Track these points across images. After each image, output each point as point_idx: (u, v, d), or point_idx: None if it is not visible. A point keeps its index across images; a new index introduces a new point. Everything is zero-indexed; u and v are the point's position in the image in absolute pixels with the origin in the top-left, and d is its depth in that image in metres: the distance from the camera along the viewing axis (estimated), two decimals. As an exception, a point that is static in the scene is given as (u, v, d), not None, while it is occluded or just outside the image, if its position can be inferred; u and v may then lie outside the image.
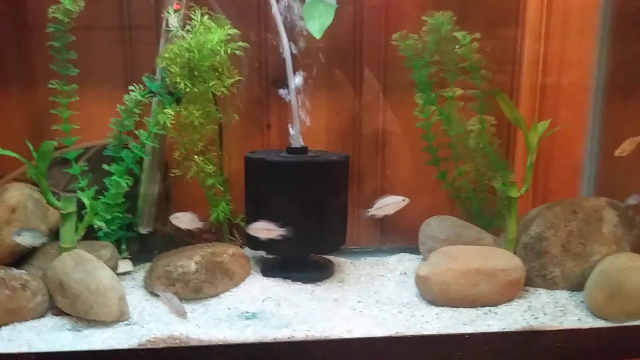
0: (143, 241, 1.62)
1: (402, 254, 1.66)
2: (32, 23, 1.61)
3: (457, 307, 1.30)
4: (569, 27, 1.72)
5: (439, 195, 1.79)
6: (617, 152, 1.37)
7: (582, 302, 1.32)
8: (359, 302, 1.34)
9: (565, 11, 1.70)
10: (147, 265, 1.60)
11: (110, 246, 1.50)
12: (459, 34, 1.41)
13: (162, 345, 1.13)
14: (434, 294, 1.32)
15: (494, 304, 1.31)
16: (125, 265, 1.56)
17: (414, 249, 1.67)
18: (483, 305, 1.31)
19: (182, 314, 1.21)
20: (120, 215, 1.54)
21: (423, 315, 1.27)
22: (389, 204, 1.34)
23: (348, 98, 1.75)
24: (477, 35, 1.43)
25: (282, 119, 1.75)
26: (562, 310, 1.29)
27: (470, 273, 1.30)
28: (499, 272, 1.31)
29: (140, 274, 1.54)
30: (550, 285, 1.38)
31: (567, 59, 1.74)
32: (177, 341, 1.14)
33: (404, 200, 1.34)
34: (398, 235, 1.80)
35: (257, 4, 1.65)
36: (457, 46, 1.42)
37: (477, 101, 1.47)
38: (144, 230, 1.58)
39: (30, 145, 1.29)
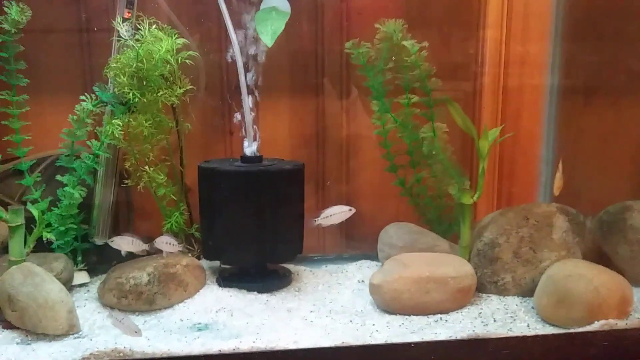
0: (101, 252, 1.61)
1: (362, 261, 1.66)
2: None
3: (409, 315, 1.31)
4: (529, 30, 1.74)
5: (404, 201, 1.80)
6: (556, 193, 1.40)
7: (532, 308, 1.33)
8: (311, 311, 1.34)
9: (525, 14, 1.72)
10: (104, 276, 1.59)
11: (63, 258, 1.48)
12: (407, 43, 1.42)
13: (105, 359, 1.12)
14: (387, 302, 1.32)
15: (446, 311, 1.32)
16: (81, 277, 1.54)
17: (375, 256, 1.68)
18: (435, 313, 1.31)
19: (137, 332, 1.20)
20: (75, 226, 1.52)
21: (373, 324, 1.27)
22: (335, 214, 1.35)
23: (311, 104, 1.75)
24: (425, 43, 1.43)
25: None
26: (512, 317, 1.29)
27: (422, 281, 1.30)
28: (450, 280, 1.31)
29: (96, 285, 1.52)
30: (502, 291, 1.39)
31: (527, 62, 1.76)
32: (121, 354, 1.13)
33: (350, 210, 1.34)
34: (363, 243, 1.81)
35: (217, 14, 1.65)
36: (406, 57, 1.42)
37: (428, 109, 1.47)
38: (99, 241, 1.56)
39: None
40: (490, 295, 1.40)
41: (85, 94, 1.47)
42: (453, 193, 1.47)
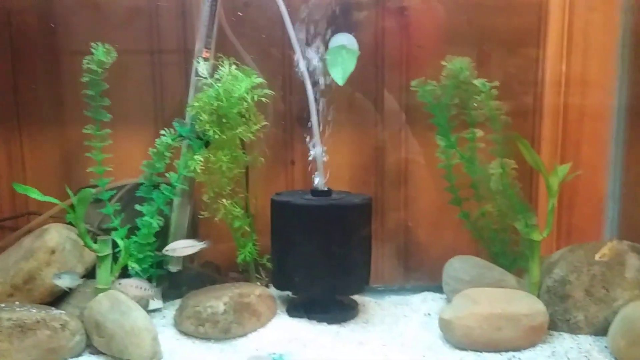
0: (172, 278, 1.68)
1: (425, 293, 1.68)
2: (66, 67, 1.72)
3: (480, 352, 1.32)
4: (591, 48, 1.73)
5: (463, 231, 1.80)
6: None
7: (605, 347, 1.32)
8: (383, 345, 1.36)
9: (586, 31, 1.72)
10: (176, 302, 1.65)
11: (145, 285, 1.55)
12: (477, 82, 1.45)
13: (193, 389, 1.17)
14: (457, 338, 1.34)
15: (517, 348, 1.32)
16: (155, 303, 1.61)
17: (437, 288, 1.69)
18: (507, 350, 1.32)
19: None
20: (151, 254, 1.60)
21: (447, 360, 1.29)
22: (180, 247, 1.44)
23: (370, 134, 1.79)
24: (496, 83, 1.46)
25: (306, 155, 1.79)
26: (585, 357, 1.29)
27: (493, 317, 1.32)
28: (522, 317, 1.32)
29: (170, 310, 1.59)
30: (574, 329, 1.39)
31: (590, 82, 1.74)
32: (208, 384, 1.18)
33: (204, 243, 1.45)
34: (421, 273, 1.82)
35: (281, 46, 1.72)
36: (477, 96, 1.45)
37: (497, 145, 1.49)
38: (173, 268, 1.63)
39: (70, 192, 1.36)
40: (562, 333, 1.40)
41: (165, 129, 1.55)
42: (520, 228, 1.48)
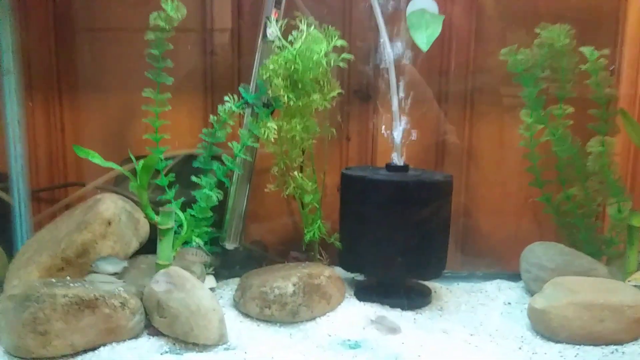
0: (224, 256, 1.57)
1: (499, 281, 1.56)
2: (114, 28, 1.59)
3: (578, 345, 1.21)
4: None
5: (525, 218, 1.70)
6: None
7: None
8: (470, 334, 1.25)
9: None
10: (229, 281, 1.55)
11: (199, 263, 1.44)
12: (585, 49, 1.32)
13: (274, 376, 1.06)
14: (553, 329, 1.22)
15: (619, 342, 1.21)
16: (209, 282, 1.49)
17: (509, 276, 1.58)
18: (607, 344, 1.21)
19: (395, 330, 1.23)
20: (208, 229, 1.48)
21: (545, 353, 1.17)
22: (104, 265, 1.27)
23: (433, 112, 1.67)
24: (606, 51, 1.33)
25: (362, 131, 1.68)
26: (696, 353, 1.18)
27: (595, 308, 1.20)
28: (626, 309, 1.20)
29: (225, 291, 1.48)
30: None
31: None
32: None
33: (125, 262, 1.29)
34: (479, 259, 1.72)
35: (341, 8, 1.59)
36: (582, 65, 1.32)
37: (597, 121, 1.37)
38: (230, 245, 1.52)
39: (133, 158, 1.24)
40: (664, 327, 1.28)
41: (229, 94, 1.42)
42: (611, 214, 1.37)
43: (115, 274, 1.27)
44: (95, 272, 1.23)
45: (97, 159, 1.18)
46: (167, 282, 1.17)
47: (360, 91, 1.68)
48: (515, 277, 1.56)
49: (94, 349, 1.16)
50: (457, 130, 1.70)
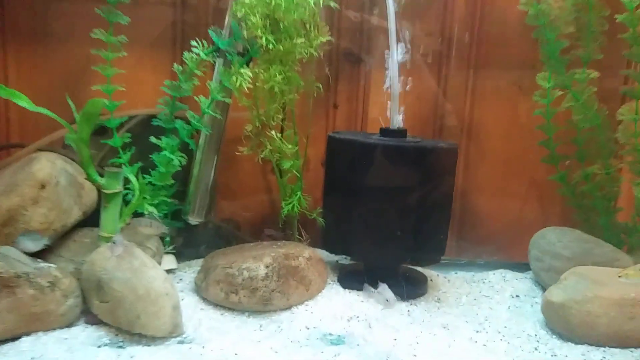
0: (188, 234, 1.34)
1: (502, 270, 1.37)
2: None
3: (603, 347, 1.01)
4: None
5: (530, 201, 1.51)
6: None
7: None
8: (476, 331, 1.05)
9: None
10: (193, 262, 1.33)
11: (155, 238, 1.21)
12: (622, -3, 1.12)
13: (235, 378, 0.85)
14: (573, 327, 1.03)
15: (651, 344, 1.02)
16: (169, 262, 1.28)
17: (513, 265, 1.40)
18: (637, 346, 1.02)
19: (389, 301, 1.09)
20: (167, 200, 1.26)
21: (566, 356, 0.98)
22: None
23: (432, 81, 1.47)
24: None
25: (352, 98, 1.48)
26: None
27: (626, 303, 1.01)
28: (661, 305, 1.02)
29: (187, 273, 1.26)
30: None
31: None
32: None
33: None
34: (478, 246, 1.53)
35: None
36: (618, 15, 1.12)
37: (636, 84, 1.16)
38: (194, 220, 1.29)
39: (71, 104, 1.00)
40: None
41: (197, 39, 1.19)
42: (638, 194, 1.18)
43: (35, 253, 1.03)
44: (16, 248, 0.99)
45: (23, 102, 0.94)
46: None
47: (351, 54, 1.47)
48: (519, 266, 1.38)
49: (13, 338, 0.93)
50: (457, 103, 1.50)
